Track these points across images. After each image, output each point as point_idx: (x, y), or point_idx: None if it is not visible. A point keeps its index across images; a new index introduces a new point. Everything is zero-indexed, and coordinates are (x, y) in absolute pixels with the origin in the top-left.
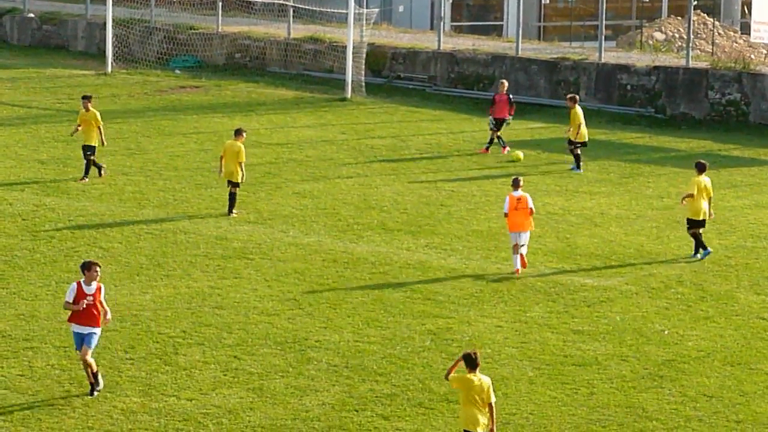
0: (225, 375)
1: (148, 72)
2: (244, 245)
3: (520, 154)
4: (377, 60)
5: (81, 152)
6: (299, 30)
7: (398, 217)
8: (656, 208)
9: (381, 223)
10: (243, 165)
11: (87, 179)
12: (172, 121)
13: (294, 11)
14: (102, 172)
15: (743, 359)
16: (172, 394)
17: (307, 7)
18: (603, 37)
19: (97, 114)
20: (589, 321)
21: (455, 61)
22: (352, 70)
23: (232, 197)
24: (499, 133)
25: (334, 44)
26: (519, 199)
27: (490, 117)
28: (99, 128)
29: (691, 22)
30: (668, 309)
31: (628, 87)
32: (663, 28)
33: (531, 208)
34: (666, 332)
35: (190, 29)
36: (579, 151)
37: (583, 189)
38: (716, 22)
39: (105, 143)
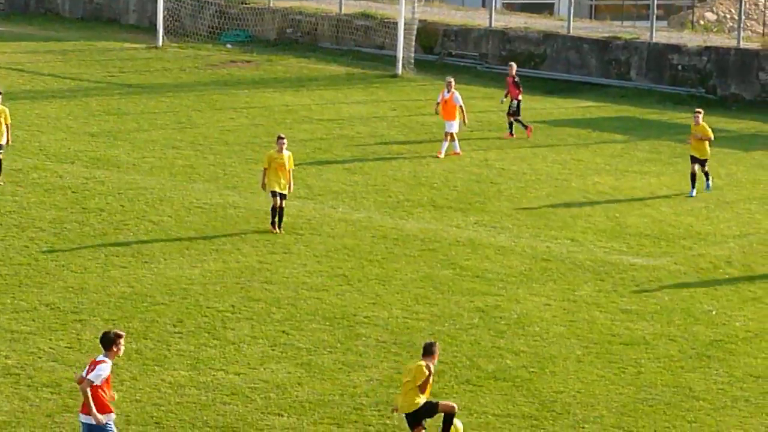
0: (273, 350)
1: (199, 46)
2: (294, 220)
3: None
4: (428, 37)
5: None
6: (351, 6)
7: (448, 194)
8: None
9: (431, 200)
10: (292, 174)
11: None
12: (223, 96)
13: None
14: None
15: None
16: (219, 368)
17: None
18: (654, 17)
19: (6, 110)
20: (638, 300)
21: (507, 39)
22: (403, 47)
23: (281, 211)
24: (519, 117)
25: (386, 20)
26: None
27: (506, 99)
28: (7, 126)
29: (743, 2)
30: (716, 289)
31: (679, 67)
32: (714, 8)
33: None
34: (714, 312)
35: (242, 3)
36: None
37: (634, 168)
38: None
39: (10, 142)
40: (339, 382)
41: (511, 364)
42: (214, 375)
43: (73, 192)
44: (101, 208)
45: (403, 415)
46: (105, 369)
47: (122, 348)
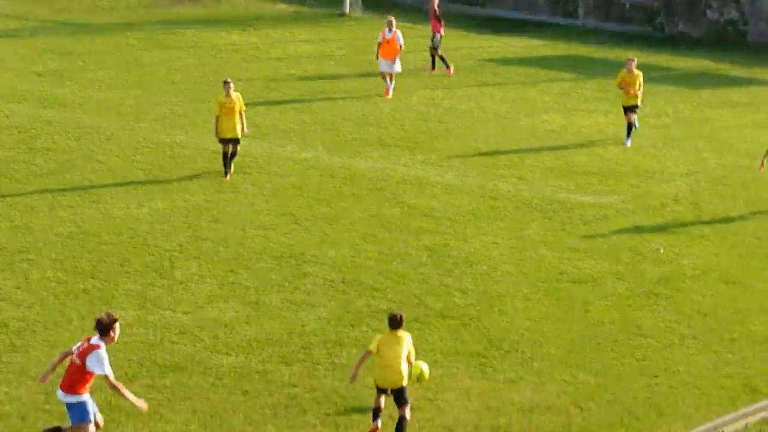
0: (221, 289)
1: None
2: (242, 159)
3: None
4: None
5: None
6: None
7: (396, 133)
8: (653, 127)
9: (379, 139)
10: (244, 116)
11: None
12: (170, 35)
13: None
14: None
15: (738, 278)
16: (168, 307)
17: None
18: None
19: None
20: (585, 239)
21: None
22: None
23: (232, 157)
24: (440, 53)
25: None
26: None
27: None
28: None
29: None
30: (664, 227)
31: (627, 5)
32: None
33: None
34: (662, 250)
35: None
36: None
37: (581, 107)
38: None
39: None
40: (287, 320)
41: (459, 302)
42: (162, 314)
43: (19, 132)
44: (48, 148)
45: (389, 391)
46: (105, 357)
47: (118, 333)
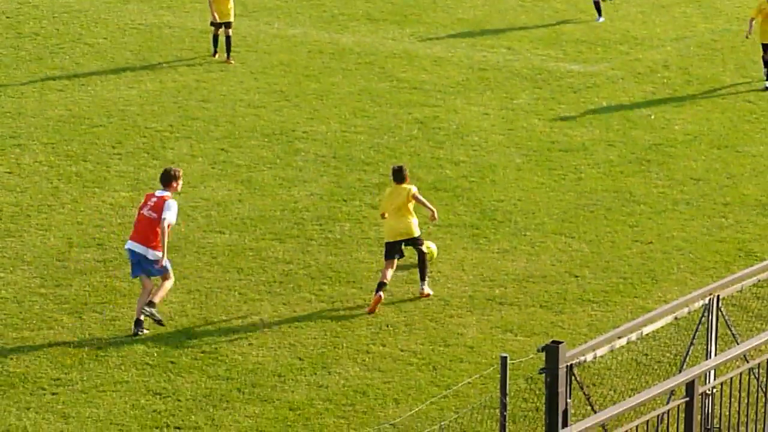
0: (213, 168)
1: None
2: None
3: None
4: None
5: None
6: None
7: (383, 7)
8: None
9: (366, 13)
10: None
11: None
12: None
13: None
14: None
15: (730, 142)
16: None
17: None
18: None
19: None
20: (576, 107)
21: None
22: None
23: (228, 40)
24: None
25: None
26: None
27: None
28: None
29: None
30: (654, 93)
31: None
32: None
33: None
34: (652, 116)
35: None
36: None
37: None
38: None
39: None
40: (279, 197)
41: (450, 174)
42: None
43: (7, 17)
44: (36, 33)
45: (397, 241)
46: (176, 206)
47: (181, 185)
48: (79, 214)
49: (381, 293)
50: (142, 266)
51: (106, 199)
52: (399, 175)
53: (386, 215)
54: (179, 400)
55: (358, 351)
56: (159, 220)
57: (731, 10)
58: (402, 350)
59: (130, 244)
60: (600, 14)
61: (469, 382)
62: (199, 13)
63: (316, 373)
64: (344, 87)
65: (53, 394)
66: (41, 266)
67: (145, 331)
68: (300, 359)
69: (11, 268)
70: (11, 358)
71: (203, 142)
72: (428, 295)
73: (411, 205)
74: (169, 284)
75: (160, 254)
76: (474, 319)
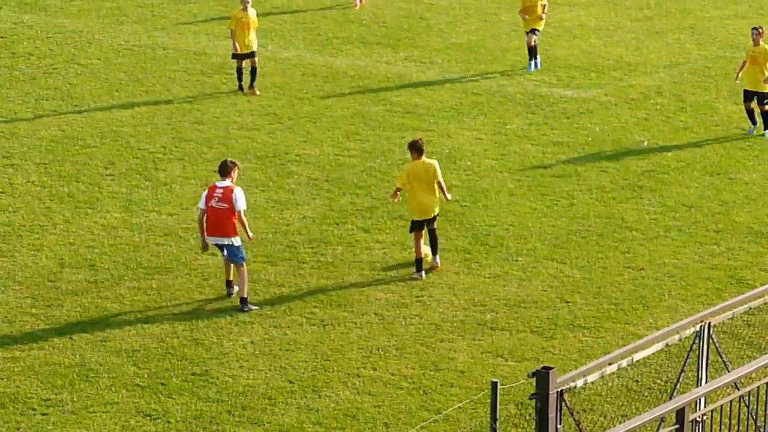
0: (205, 189)
1: None
2: (223, 60)
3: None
4: None
5: None
6: None
7: (377, 31)
8: (635, 19)
9: (360, 36)
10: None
11: None
12: None
13: None
14: None
15: (722, 169)
16: (152, 209)
17: None
18: None
19: None
20: (569, 132)
21: None
22: None
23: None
24: None
25: None
26: None
27: None
28: None
29: None
30: (647, 120)
31: None
32: None
33: None
34: (645, 143)
35: None
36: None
37: (562, 0)
38: None
39: None
40: (272, 220)
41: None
42: (146, 216)
43: (1, 37)
44: (30, 53)
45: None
46: (242, 193)
47: (236, 176)
48: (71, 235)
49: (422, 273)
50: (226, 252)
51: (98, 219)
52: (417, 147)
53: (399, 193)
54: (169, 422)
55: (349, 374)
56: (230, 210)
57: (725, 37)
58: (393, 374)
59: (213, 239)
60: (535, 63)
61: (459, 407)
62: (193, 35)
63: (306, 396)
64: (337, 110)
65: (43, 414)
66: (33, 286)
67: (254, 308)
68: (290, 382)
69: (3, 288)
70: (1, 378)
71: (196, 164)
72: (438, 266)
73: (437, 181)
74: (245, 273)
75: (236, 241)
76: (465, 343)
